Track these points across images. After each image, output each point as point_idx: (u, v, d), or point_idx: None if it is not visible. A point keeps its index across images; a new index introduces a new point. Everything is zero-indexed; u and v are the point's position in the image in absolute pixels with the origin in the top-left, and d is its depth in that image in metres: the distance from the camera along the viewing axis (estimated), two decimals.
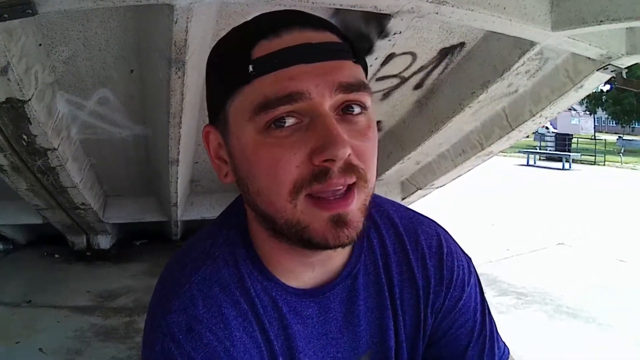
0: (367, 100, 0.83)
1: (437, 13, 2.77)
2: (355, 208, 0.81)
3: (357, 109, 0.82)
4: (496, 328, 1.10)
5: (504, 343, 1.11)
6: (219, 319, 0.88)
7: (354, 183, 0.80)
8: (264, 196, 0.83)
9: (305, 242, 0.82)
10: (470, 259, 1.10)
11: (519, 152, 23.11)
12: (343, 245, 0.82)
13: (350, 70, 0.81)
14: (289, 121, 0.79)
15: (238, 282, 0.92)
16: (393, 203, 1.11)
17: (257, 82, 0.79)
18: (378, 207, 1.07)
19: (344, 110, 0.81)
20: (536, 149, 23.57)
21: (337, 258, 0.96)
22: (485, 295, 1.11)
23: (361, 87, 0.81)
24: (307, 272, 0.95)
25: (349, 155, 0.78)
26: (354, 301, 0.98)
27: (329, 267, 0.96)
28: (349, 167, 0.79)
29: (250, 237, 0.95)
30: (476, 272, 1.10)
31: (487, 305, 1.10)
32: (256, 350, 0.90)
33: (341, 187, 0.79)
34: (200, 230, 1.03)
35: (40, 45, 2.87)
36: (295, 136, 0.78)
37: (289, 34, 0.80)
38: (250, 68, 0.79)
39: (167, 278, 0.95)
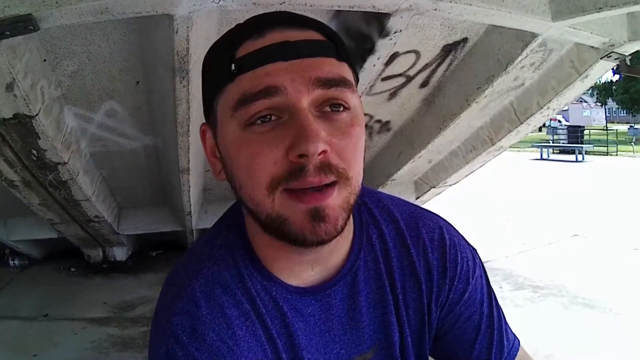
0: (350, 97, 0.84)
1: (436, 9, 2.77)
2: (336, 204, 0.82)
3: (339, 107, 0.82)
4: (505, 320, 1.10)
5: (514, 335, 1.11)
6: (221, 319, 0.89)
7: (335, 182, 0.81)
8: (245, 190, 0.85)
9: (286, 236, 0.83)
10: (475, 250, 1.10)
11: (532, 146, 23.05)
12: (322, 242, 0.83)
13: (330, 67, 0.83)
14: (268, 117, 0.80)
15: (239, 283, 0.93)
16: (393, 198, 1.11)
17: (238, 80, 0.81)
18: (378, 202, 1.08)
19: (328, 107, 0.82)
20: (549, 143, 23.50)
21: (336, 255, 0.97)
22: (497, 287, 1.11)
23: (342, 83, 0.82)
24: (306, 270, 0.95)
25: (326, 153, 0.79)
26: (356, 297, 0.99)
27: (329, 264, 0.97)
28: (326, 166, 0.80)
29: (249, 237, 0.97)
30: (482, 264, 1.10)
31: (495, 296, 1.09)
32: (260, 348, 0.91)
33: (317, 185, 0.80)
34: (202, 235, 1.05)
35: (44, 60, 2.89)
36: (274, 132, 0.80)
37: (272, 34, 0.82)
38: (233, 67, 0.82)
39: (171, 282, 0.97)
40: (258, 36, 0.83)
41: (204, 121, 0.94)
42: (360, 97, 0.92)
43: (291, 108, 0.79)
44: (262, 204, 0.83)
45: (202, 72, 0.93)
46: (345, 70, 0.86)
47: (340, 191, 0.82)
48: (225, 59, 0.84)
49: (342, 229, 0.84)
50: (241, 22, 0.89)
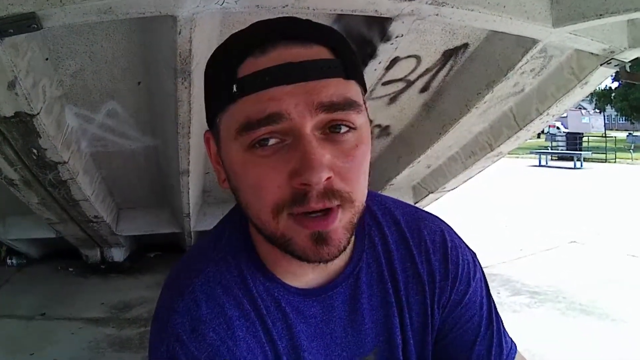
0: (356, 119, 0.82)
1: (437, 15, 2.78)
2: (339, 227, 0.82)
3: (343, 129, 0.81)
4: (503, 324, 1.10)
5: (511, 339, 1.11)
6: (222, 319, 0.90)
7: (338, 205, 0.81)
8: (252, 210, 0.85)
9: (290, 253, 0.84)
10: (474, 254, 1.11)
11: (531, 153, 23.05)
12: (324, 261, 0.83)
13: (335, 89, 0.80)
14: (272, 141, 0.79)
15: (241, 284, 0.93)
16: (395, 201, 1.12)
17: (241, 102, 0.79)
18: (380, 205, 1.08)
19: (330, 129, 0.80)
20: (548, 149, 23.51)
21: (338, 258, 0.95)
22: (495, 293, 1.11)
23: (347, 105, 0.80)
24: (307, 273, 0.95)
25: (330, 179, 0.78)
26: (358, 300, 0.99)
27: (331, 267, 0.96)
28: (329, 192, 0.79)
29: (252, 240, 0.97)
30: (481, 267, 1.10)
31: (493, 300, 1.10)
32: (259, 349, 0.91)
33: (321, 208, 0.79)
34: (205, 235, 1.05)
35: (47, 59, 2.89)
36: (278, 155, 0.79)
37: (275, 50, 0.80)
38: (234, 88, 0.80)
39: (172, 281, 0.97)
40: (260, 53, 0.80)
41: (205, 124, 0.93)
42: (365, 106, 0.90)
43: (295, 132, 0.78)
44: (268, 224, 0.83)
45: (204, 80, 0.90)
46: (352, 89, 0.83)
47: (345, 213, 0.82)
48: (227, 78, 0.81)
49: (345, 248, 0.85)
50: (243, 27, 0.87)
